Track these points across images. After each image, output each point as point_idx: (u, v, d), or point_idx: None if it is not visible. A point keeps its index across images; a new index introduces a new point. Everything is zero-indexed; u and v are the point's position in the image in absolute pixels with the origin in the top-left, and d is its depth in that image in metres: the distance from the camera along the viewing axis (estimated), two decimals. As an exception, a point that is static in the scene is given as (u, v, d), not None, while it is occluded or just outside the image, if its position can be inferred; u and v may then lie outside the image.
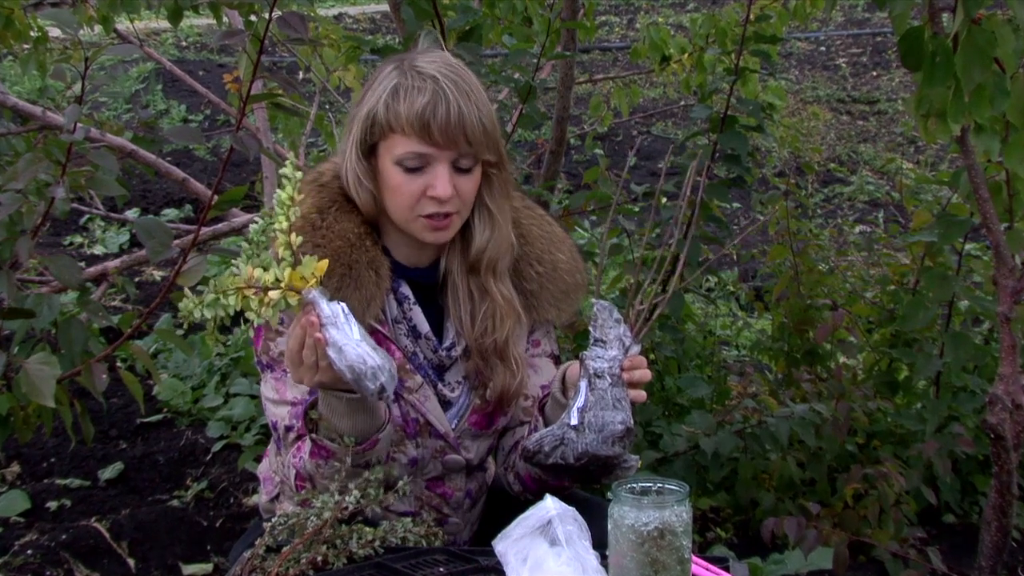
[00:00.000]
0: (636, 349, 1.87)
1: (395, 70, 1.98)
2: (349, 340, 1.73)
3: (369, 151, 2.00)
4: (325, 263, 1.71)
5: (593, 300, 1.86)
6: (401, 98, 1.94)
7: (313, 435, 1.87)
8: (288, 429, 1.98)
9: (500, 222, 2.04)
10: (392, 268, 2.03)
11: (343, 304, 1.74)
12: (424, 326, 2.04)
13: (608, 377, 1.83)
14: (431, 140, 1.92)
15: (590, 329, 1.86)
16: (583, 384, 1.84)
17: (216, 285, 1.68)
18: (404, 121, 1.93)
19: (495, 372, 2.05)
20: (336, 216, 1.99)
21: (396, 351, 2.01)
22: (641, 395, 1.87)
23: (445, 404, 2.06)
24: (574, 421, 1.84)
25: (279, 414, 1.99)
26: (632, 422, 1.84)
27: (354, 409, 1.83)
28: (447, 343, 2.06)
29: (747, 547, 3.12)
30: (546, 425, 2.01)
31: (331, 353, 1.72)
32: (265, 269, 1.69)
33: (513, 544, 1.66)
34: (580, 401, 1.84)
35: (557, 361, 2.17)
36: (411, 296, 2.04)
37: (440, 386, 2.06)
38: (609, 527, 1.64)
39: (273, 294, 1.68)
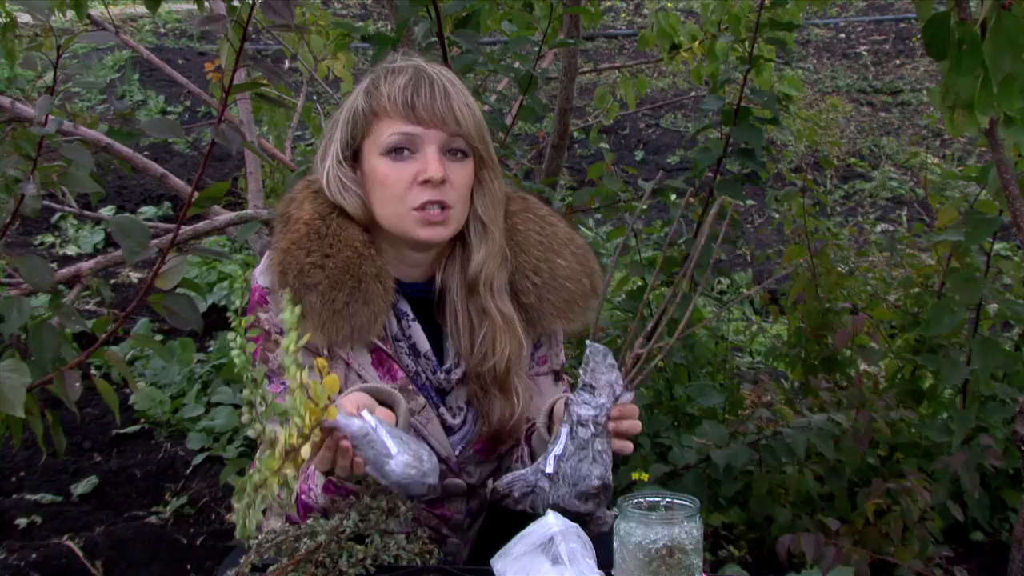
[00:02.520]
0: (628, 397, 1.84)
1: (370, 73, 2.03)
2: (388, 455, 1.73)
3: (353, 156, 2.01)
4: (336, 381, 1.64)
5: (587, 342, 1.84)
6: (382, 83, 1.99)
7: (332, 476, 1.87)
8: None
9: (495, 235, 2.04)
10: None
11: (367, 414, 1.74)
12: (424, 344, 2.05)
13: (592, 426, 1.82)
14: (416, 117, 1.94)
15: (580, 372, 1.84)
16: (564, 430, 1.84)
17: (254, 480, 1.60)
18: (387, 101, 1.96)
19: (494, 404, 2.05)
20: (339, 223, 2.00)
21: (399, 370, 2.02)
22: (627, 446, 1.86)
23: (447, 428, 2.07)
24: (549, 469, 1.84)
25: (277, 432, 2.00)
26: (610, 478, 1.83)
27: None
28: (447, 365, 2.06)
29: (762, 566, 3.12)
30: (531, 456, 2.02)
31: (372, 472, 1.73)
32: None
33: (513, 562, 1.67)
34: (558, 448, 1.84)
35: (558, 377, 2.17)
36: (410, 312, 2.05)
37: (441, 409, 2.06)
38: (615, 544, 1.65)
39: (304, 451, 1.60)
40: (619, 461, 2.16)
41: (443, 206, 1.96)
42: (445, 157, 1.97)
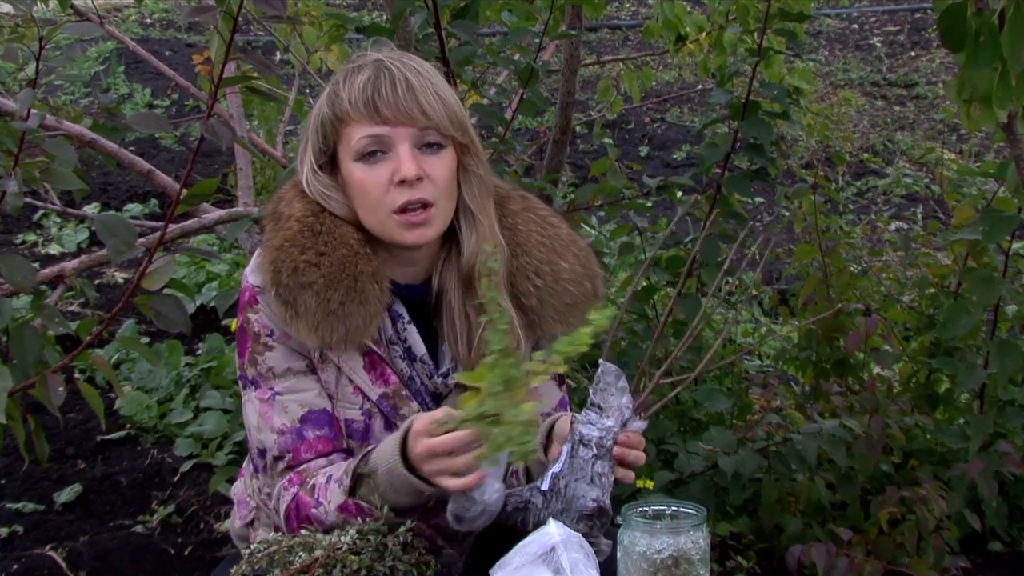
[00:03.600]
0: (640, 426, 1.85)
1: (336, 75, 2.03)
2: (496, 479, 1.79)
3: (331, 163, 2.02)
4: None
5: (600, 362, 1.85)
6: (342, 86, 1.98)
7: (355, 499, 1.90)
8: (277, 459, 1.99)
9: (484, 223, 2.04)
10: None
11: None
12: (420, 348, 2.05)
13: (594, 447, 1.82)
14: (381, 116, 1.94)
15: (589, 392, 1.85)
16: (565, 449, 1.85)
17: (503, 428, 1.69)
18: (349, 105, 1.95)
19: None
20: (333, 220, 2.00)
21: (392, 374, 2.02)
22: (629, 476, 1.87)
23: None
24: (545, 486, 1.85)
25: (264, 441, 2.00)
26: (607, 503, 1.83)
27: (424, 497, 1.88)
28: (443, 369, 2.06)
29: (771, 578, 3.12)
30: (526, 471, 2.03)
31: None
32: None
33: (513, 573, 1.67)
34: (557, 466, 1.85)
35: (562, 381, 2.17)
36: (405, 315, 2.05)
37: None
38: (619, 555, 1.65)
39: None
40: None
41: (424, 204, 1.96)
42: (420, 152, 1.96)
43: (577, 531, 1.81)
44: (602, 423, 1.82)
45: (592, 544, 1.83)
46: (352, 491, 1.91)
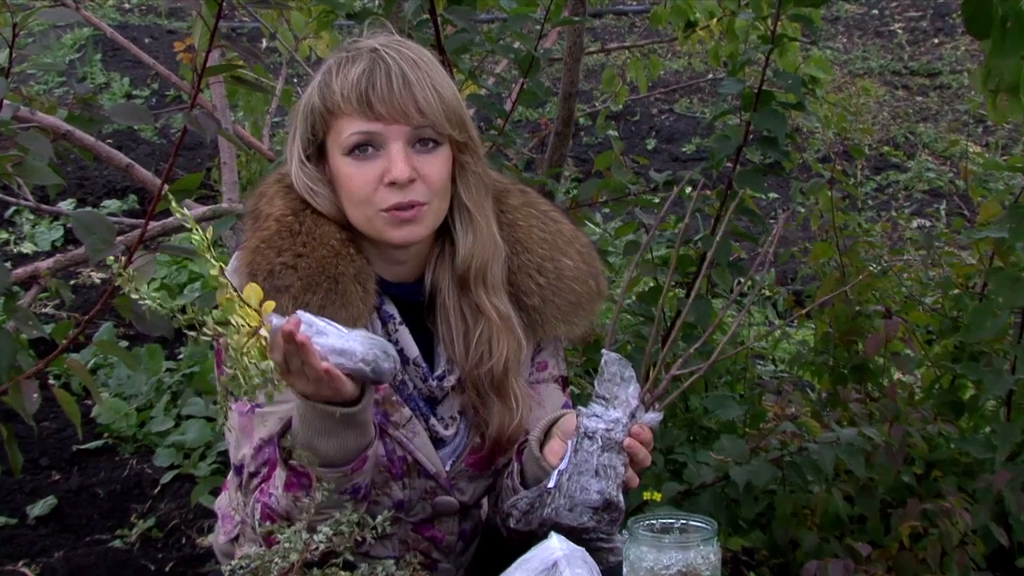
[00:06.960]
0: (654, 417, 1.84)
1: (332, 56, 2.02)
2: (341, 336, 1.76)
3: (318, 153, 2.01)
4: (256, 287, 1.71)
5: (603, 351, 1.85)
6: (334, 77, 1.97)
7: (292, 461, 1.86)
8: (253, 476, 1.98)
9: (481, 223, 2.04)
10: (375, 282, 2.03)
11: (300, 312, 1.75)
12: (413, 350, 2.05)
13: (599, 440, 1.82)
14: (374, 113, 1.93)
15: (595, 384, 1.85)
16: (570, 444, 1.85)
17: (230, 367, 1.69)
18: (340, 97, 1.94)
19: (491, 411, 2.06)
20: (314, 219, 2.00)
21: None
22: (634, 479, 1.87)
23: (438, 441, 2.07)
24: (551, 483, 1.86)
25: (244, 457, 2.00)
26: (614, 495, 1.83)
27: (344, 424, 1.82)
28: (439, 372, 2.07)
29: (786, 595, 3.13)
30: (521, 473, 2.02)
31: (336, 359, 1.74)
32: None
33: (513, 590, 1.67)
34: (563, 463, 1.85)
35: (565, 384, 2.17)
36: (396, 315, 2.05)
37: (432, 420, 2.06)
38: (625, 570, 1.65)
39: (263, 332, 1.68)
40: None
41: (414, 204, 1.96)
42: (414, 150, 1.96)
43: (579, 522, 1.81)
44: (608, 415, 1.82)
45: (607, 541, 1.84)
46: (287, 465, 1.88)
